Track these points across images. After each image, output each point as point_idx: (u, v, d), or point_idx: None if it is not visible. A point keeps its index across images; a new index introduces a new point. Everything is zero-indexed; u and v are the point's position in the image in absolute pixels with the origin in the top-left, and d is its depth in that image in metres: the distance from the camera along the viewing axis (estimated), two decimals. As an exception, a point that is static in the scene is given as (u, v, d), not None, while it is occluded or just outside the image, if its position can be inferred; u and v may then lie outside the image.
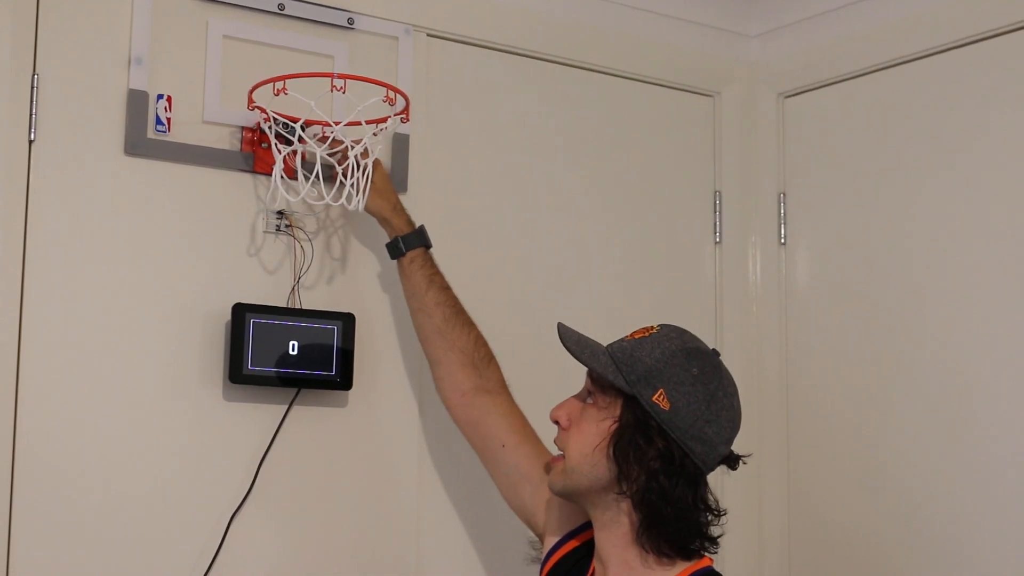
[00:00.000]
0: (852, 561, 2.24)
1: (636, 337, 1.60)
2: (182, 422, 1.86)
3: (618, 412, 1.56)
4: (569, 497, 1.63)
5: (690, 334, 1.61)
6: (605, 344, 1.62)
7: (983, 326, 2.06)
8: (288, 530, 1.93)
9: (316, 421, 1.97)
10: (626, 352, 1.57)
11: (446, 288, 1.93)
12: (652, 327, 1.61)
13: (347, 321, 1.95)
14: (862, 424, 2.24)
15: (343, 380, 1.94)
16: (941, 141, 2.16)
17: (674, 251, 2.41)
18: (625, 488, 1.54)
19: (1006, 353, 2.02)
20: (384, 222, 1.95)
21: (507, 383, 1.92)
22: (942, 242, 2.14)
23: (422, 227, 1.95)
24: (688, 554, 1.56)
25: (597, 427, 1.57)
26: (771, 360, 2.40)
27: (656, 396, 1.52)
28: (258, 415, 1.92)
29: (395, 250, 1.94)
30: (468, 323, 1.92)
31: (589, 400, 1.61)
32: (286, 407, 1.94)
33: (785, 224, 2.44)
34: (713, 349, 1.61)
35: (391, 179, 2.05)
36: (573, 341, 1.61)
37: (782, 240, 2.44)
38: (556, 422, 1.64)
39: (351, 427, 2.00)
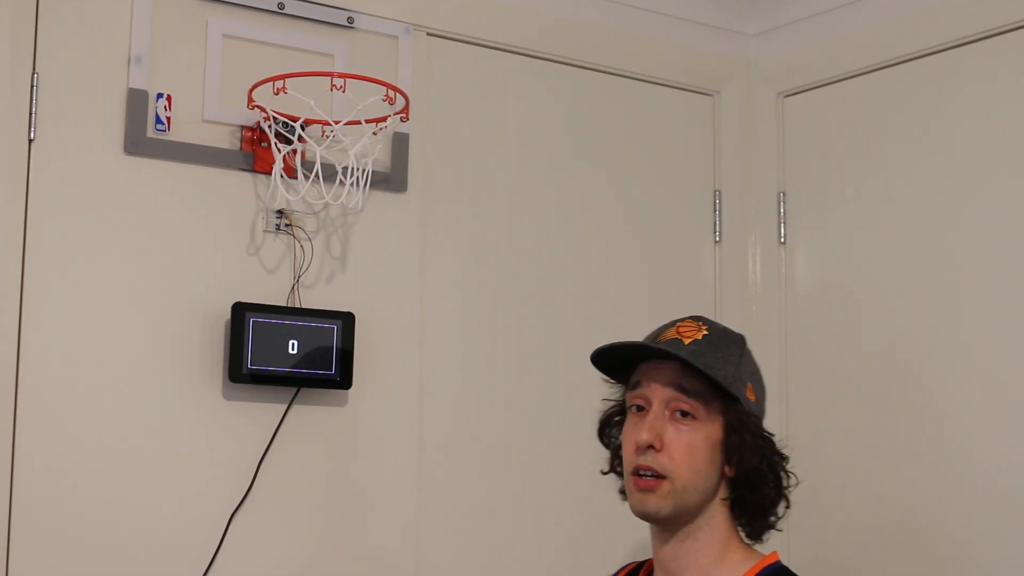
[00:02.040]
0: (852, 560, 2.23)
1: (698, 338, 1.54)
2: (182, 421, 1.86)
3: (720, 418, 1.53)
4: (672, 519, 1.54)
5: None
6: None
7: (983, 325, 2.06)
8: (287, 529, 1.93)
9: (316, 420, 1.97)
10: (707, 356, 1.51)
11: None
12: (700, 325, 1.56)
13: (347, 320, 1.95)
14: (862, 423, 2.24)
15: (343, 379, 1.94)
16: (941, 140, 2.16)
17: (674, 250, 2.41)
18: (728, 491, 1.55)
19: (1007, 352, 2.02)
20: None
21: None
22: (942, 241, 2.14)
23: None
24: (759, 538, 1.59)
25: (706, 442, 1.52)
26: (771, 360, 2.40)
27: (748, 391, 1.54)
28: (258, 414, 1.92)
29: None
30: None
31: (681, 415, 1.52)
32: (286, 406, 1.94)
33: (785, 223, 2.44)
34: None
35: (390, 178, 2.06)
36: (688, 352, 1.51)
37: (782, 239, 2.44)
38: (651, 446, 1.52)
39: (351, 426, 2.00)
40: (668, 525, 1.55)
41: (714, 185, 2.46)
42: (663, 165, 2.41)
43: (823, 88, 2.38)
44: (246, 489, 1.89)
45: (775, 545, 2.34)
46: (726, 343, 1.54)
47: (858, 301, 2.27)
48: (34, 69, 1.80)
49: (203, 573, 1.85)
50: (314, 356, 1.92)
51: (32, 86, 1.80)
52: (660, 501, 1.51)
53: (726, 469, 1.54)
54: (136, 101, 1.86)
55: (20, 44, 1.79)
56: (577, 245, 2.29)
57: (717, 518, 1.55)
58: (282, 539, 1.93)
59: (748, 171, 2.48)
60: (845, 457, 2.26)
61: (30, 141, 1.79)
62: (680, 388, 1.52)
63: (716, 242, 2.45)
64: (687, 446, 1.51)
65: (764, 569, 1.53)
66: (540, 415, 2.19)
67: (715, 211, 2.46)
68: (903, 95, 2.23)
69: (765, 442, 1.55)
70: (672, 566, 1.55)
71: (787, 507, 1.61)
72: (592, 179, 2.32)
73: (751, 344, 1.60)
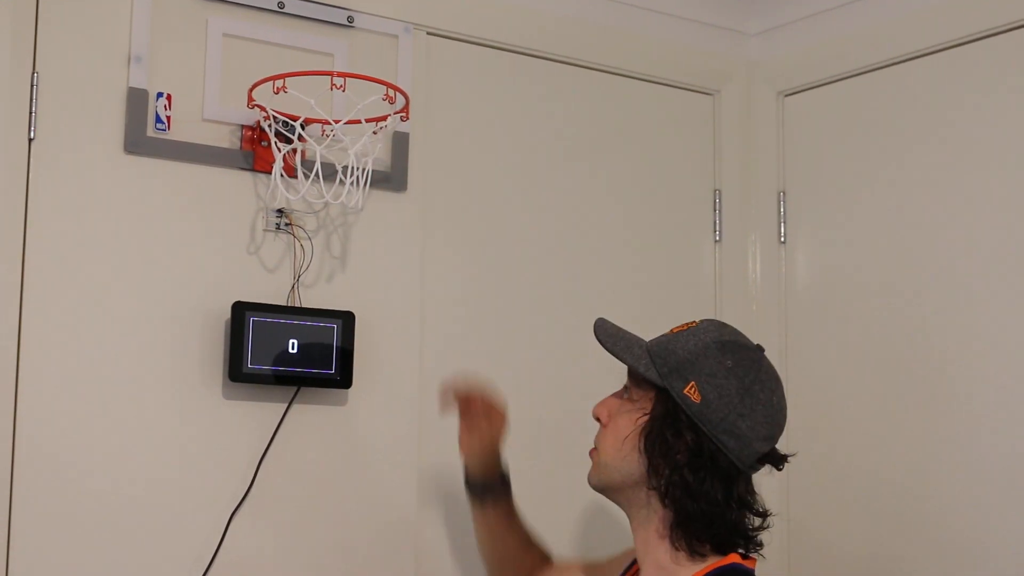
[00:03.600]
0: (852, 565, 2.24)
1: (676, 331, 1.58)
2: (182, 420, 1.86)
3: (650, 405, 1.53)
4: (604, 493, 1.61)
5: (731, 328, 1.58)
6: (647, 339, 1.60)
7: (983, 324, 2.06)
8: (287, 528, 1.93)
9: (316, 419, 1.97)
10: (662, 346, 1.55)
11: (520, 524, 1.85)
12: (693, 321, 1.59)
13: (347, 319, 1.95)
14: (862, 424, 2.24)
15: (343, 378, 1.94)
16: (941, 139, 2.16)
17: (674, 249, 2.41)
18: (654, 483, 1.51)
19: (1007, 352, 2.02)
20: (480, 460, 1.81)
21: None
22: (942, 240, 2.14)
23: (506, 471, 1.84)
24: (723, 550, 1.51)
25: (629, 420, 1.55)
26: (771, 359, 2.39)
27: (687, 388, 1.49)
28: (258, 413, 1.92)
29: (480, 496, 1.82)
30: (535, 547, 1.86)
31: (625, 395, 1.59)
32: (286, 405, 1.94)
33: (785, 222, 2.44)
34: (757, 345, 1.58)
35: (390, 177, 2.06)
36: (607, 334, 1.60)
37: (782, 239, 2.44)
38: (597, 418, 1.62)
39: (350, 425, 2.00)
40: (620, 505, 1.59)
41: (714, 185, 2.46)
42: (663, 165, 2.41)
43: (823, 88, 2.38)
44: (246, 489, 1.89)
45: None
46: (693, 339, 1.53)
47: (858, 300, 2.27)
48: (34, 69, 1.80)
49: (203, 573, 1.85)
50: (314, 356, 1.92)
51: (32, 86, 1.79)
52: (592, 471, 1.60)
53: (647, 459, 1.52)
54: (136, 100, 1.86)
55: (20, 44, 1.79)
56: (577, 245, 2.29)
57: (654, 511, 1.53)
58: (282, 537, 1.93)
59: (748, 171, 2.48)
60: (845, 456, 2.27)
61: (30, 141, 1.79)
62: (629, 369, 1.58)
63: (716, 242, 2.45)
64: (613, 423, 1.57)
65: (717, 569, 1.51)
66: (540, 414, 2.19)
67: (715, 211, 2.46)
68: (903, 95, 2.23)
69: (680, 446, 1.49)
70: (639, 553, 1.58)
71: (743, 540, 1.53)
72: (592, 179, 2.32)
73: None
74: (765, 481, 2.35)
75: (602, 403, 1.62)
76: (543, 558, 1.87)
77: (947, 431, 2.10)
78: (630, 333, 1.61)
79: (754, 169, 2.48)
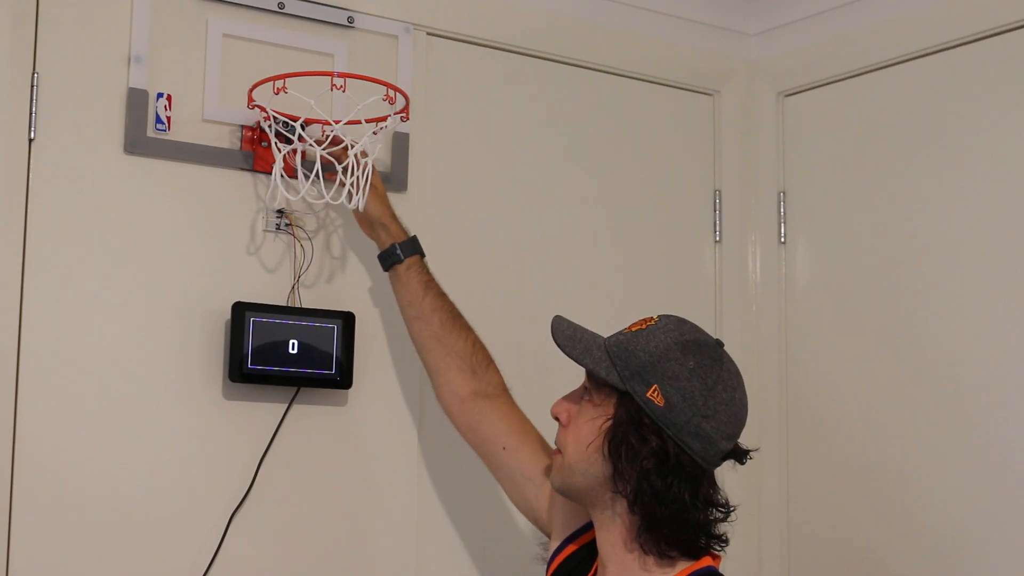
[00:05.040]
0: (851, 562, 2.24)
1: (634, 330, 1.55)
2: (182, 421, 1.86)
3: (612, 409, 1.51)
4: (567, 495, 1.60)
5: (690, 324, 1.57)
6: (605, 336, 1.59)
7: (983, 325, 2.06)
8: (287, 529, 1.93)
9: (316, 420, 1.97)
10: (621, 346, 1.52)
11: (442, 294, 1.91)
12: (651, 318, 1.57)
13: (347, 320, 1.95)
14: (862, 423, 2.24)
15: (343, 379, 1.94)
16: (941, 140, 2.16)
17: (674, 250, 2.41)
18: (620, 488, 1.50)
19: (1007, 352, 2.02)
20: (382, 227, 1.91)
21: (508, 385, 1.90)
22: (942, 240, 2.14)
23: (415, 235, 1.93)
24: (693, 552, 1.51)
25: (592, 425, 1.53)
26: (771, 359, 2.40)
27: (650, 392, 1.48)
28: (258, 414, 1.92)
29: (392, 257, 1.91)
30: (465, 327, 1.90)
31: (586, 397, 1.57)
32: (286, 406, 1.94)
33: (785, 223, 2.44)
34: (716, 340, 1.56)
35: (390, 177, 2.06)
36: (566, 337, 1.58)
37: (782, 239, 2.44)
38: (557, 418, 1.60)
39: (351, 426, 2.00)
40: (583, 505, 1.59)
41: (714, 185, 2.46)
42: (663, 165, 2.41)
43: (823, 88, 2.38)
44: (246, 489, 1.89)
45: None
46: (654, 340, 1.51)
47: (858, 301, 2.27)
48: (34, 69, 1.80)
49: (203, 573, 1.85)
50: (314, 356, 1.92)
51: (32, 86, 1.79)
52: (554, 473, 1.60)
53: (611, 464, 1.52)
54: (136, 101, 1.86)
55: (20, 44, 1.79)
56: (577, 245, 2.29)
57: (619, 515, 1.53)
58: (282, 539, 1.93)
59: (748, 171, 2.48)
60: (845, 456, 2.27)
61: (30, 141, 1.79)
62: (587, 369, 1.56)
63: (716, 242, 2.45)
64: (575, 425, 1.56)
65: (693, 574, 1.50)
66: (540, 415, 2.19)
67: (715, 211, 2.46)
68: (903, 94, 2.23)
69: (646, 451, 1.48)
70: (601, 554, 1.57)
71: (709, 539, 1.52)
72: (592, 179, 2.32)
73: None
74: (765, 480, 2.37)
75: (561, 402, 1.61)
76: (487, 361, 1.89)
77: (948, 430, 2.09)
78: (588, 331, 1.60)
79: (754, 169, 2.48)
